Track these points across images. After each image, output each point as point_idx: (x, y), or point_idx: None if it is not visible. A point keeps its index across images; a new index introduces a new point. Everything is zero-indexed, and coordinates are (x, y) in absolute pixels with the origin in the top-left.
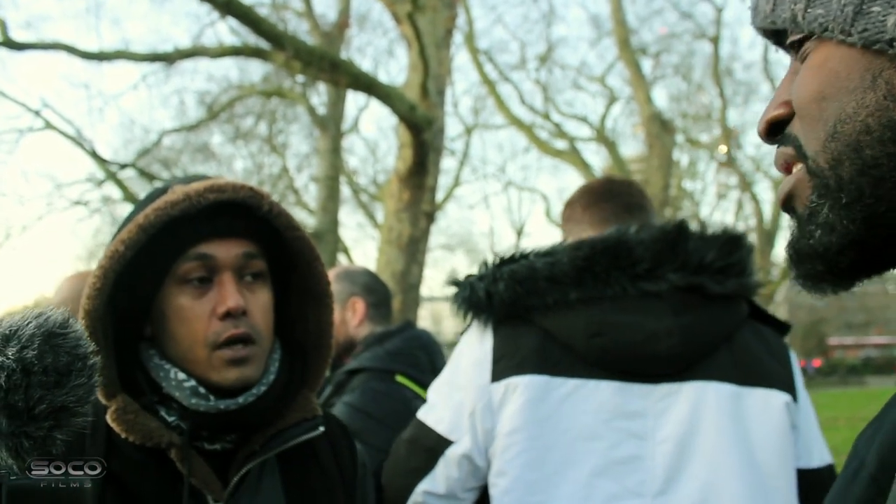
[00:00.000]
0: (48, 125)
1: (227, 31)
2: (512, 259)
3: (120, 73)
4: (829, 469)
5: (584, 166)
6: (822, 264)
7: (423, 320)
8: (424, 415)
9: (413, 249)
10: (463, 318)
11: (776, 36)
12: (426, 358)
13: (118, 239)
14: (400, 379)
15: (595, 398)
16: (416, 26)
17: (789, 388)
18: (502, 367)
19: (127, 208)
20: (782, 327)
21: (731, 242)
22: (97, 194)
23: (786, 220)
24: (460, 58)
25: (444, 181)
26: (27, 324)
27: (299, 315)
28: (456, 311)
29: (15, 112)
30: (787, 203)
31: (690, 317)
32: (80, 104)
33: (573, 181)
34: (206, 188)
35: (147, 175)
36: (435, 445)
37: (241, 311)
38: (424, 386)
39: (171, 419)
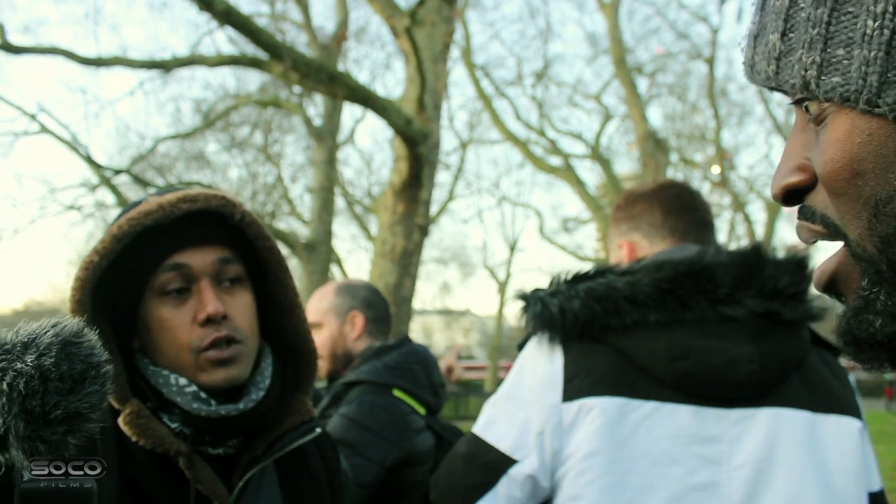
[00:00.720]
0: (44, 129)
1: (224, 40)
2: (587, 276)
3: (117, 79)
4: (882, 493)
5: (578, 183)
6: (888, 353)
7: (415, 333)
8: (483, 431)
9: (406, 262)
10: (530, 334)
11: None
12: (423, 373)
13: (93, 249)
14: (397, 393)
15: (673, 422)
16: (413, 40)
17: (857, 412)
18: (575, 387)
19: None
20: (835, 350)
21: (801, 267)
22: (91, 199)
23: (778, 241)
24: (457, 72)
25: (438, 195)
26: (45, 332)
27: (279, 322)
28: (524, 326)
29: (11, 115)
30: (830, 286)
31: (767, 343)
32: (77, 109)
33: (567, 198)
34: (179, 198)
35: (141, 181)
36: (496, 463)
37: (220, 315)
38: (421, 400)
39: (173, 425)
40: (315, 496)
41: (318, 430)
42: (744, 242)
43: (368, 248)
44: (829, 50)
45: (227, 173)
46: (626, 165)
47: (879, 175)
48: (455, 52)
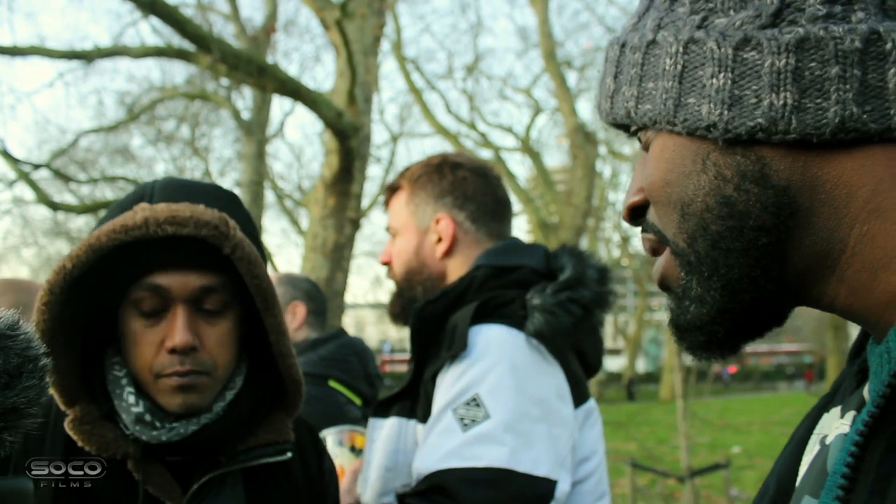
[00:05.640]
0: None
1: (149, 30)
2: (566, 285)
3: (35, 70)
4: None
5: (509, 176)
6: (702, 335)
7: (347, 327)
8: (513, 464)
9: (338, 256)
10: (535, 345)
11: (625, 128)
12: (359, 364)
13: (68, 255)
14: (333, 384)
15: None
16: (344, 33)
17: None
18: (575, 393)
19: (40, 210)
20: None
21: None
22: (8, 195)
23: None
24: (387, 66)
25: (369, 188)
26: None
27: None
28: (530, 337)
29: None
30: (663, 284)
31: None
32: None
33: None
34: (167, 218)
35: (62, 176)
36: (545, 492)
37: (188, 347)
38: (357, 391)
39: (128, 432)
40: (287, 499)
41: (289, 454)
42: None
43: (299, 243)
44: (642, 84)
45: (153, 168)
46: (556, 158)
47: (683, 182)
48: (386, 46)
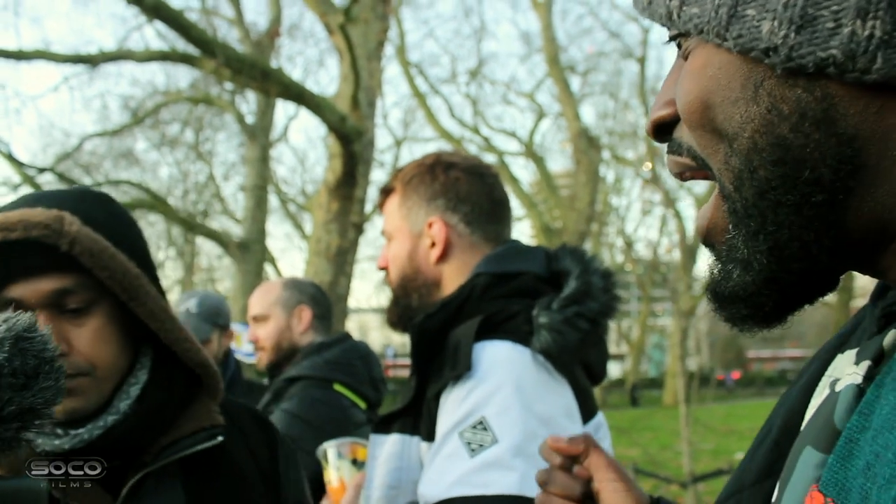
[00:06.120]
0: None
1: (153, 35)
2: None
3: (40, 74)
4: None
5: (512, 180)
6: (746, 307)
7: (351, 331)
8: (523, 489)
9: (341, 261)
10: (542, 361)
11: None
12: (364, 368)
13: None
14: (338, 387)
15: None
16: (348, 37)
17: None
18: (586, 408)
19: None
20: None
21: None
22: (12, 198)
23: None
24: (391, 70)
25: (372, 193)
26: None
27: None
28: (538, 353)
29: None
30: (708, 237)
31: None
32: None
33: None
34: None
35: (67, 180)
36: None
37: None
38: (361, 395)
39: (38, 449)
40: (235, 493)
41: (220, 438)
42: (675, 238)
43: (303, 247)
44: None
45: (157, 172)
46: (560, 163)
47: (727, 110)
48: (389, 50)
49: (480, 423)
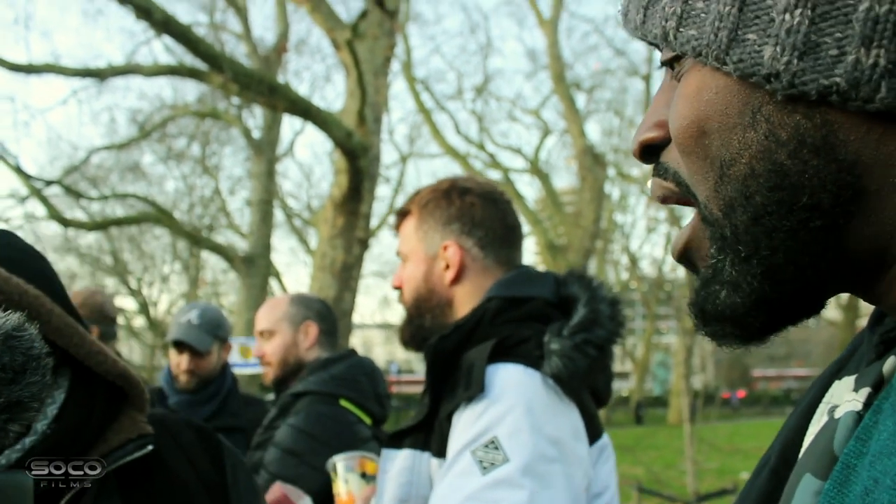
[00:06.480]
0: None
1: (161, 49)
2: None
3: (49, 88)
4: None
5: (517, 197)
6: (732, 326)
7: (355, 347)
8: None
9: (346, 276)
10: (552, 385)
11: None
12: (369, 384)
13: None
14: (343, 403)
15: None
16: (354, 53)
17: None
18: (592, 430)
19: (51, 226)
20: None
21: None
22: (20, 211)
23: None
24: (397, 86)
25: (378, 208)
26: None
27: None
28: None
29: None
30: (684, 256)
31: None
32: (5, 117)
33: None
34: None
35: (74, 192)
36: None
37: None
38: (367, 410)
39: None
40: (174, 501)
41: (150, 447)
42: None
43: (308, 262)
44: (689, 1)
45: (164, 185)
46: (565, 180)
47: (724, 136)
48: (396, 66)
49: (492, 442)
